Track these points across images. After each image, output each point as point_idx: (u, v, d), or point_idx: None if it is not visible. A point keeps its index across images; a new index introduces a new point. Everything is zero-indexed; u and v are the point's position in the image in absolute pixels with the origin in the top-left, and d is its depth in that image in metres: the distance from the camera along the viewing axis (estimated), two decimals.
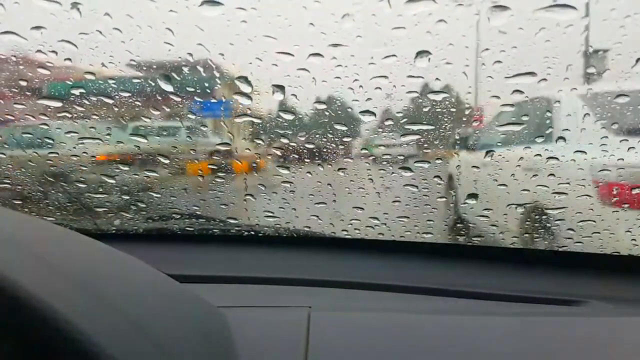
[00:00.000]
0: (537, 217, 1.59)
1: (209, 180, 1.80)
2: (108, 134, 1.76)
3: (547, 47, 1.44)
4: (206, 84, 1.76)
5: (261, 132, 1.76)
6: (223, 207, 1.68)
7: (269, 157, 1.78)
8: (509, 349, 0.88)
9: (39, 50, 1.51)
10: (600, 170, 1.38)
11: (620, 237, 1.48)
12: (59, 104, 1.63)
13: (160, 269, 0.77)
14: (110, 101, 1.69)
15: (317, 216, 1.61)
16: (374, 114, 1.60)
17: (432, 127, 1.67)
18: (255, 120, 1.67)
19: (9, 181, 1.69)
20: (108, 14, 1.48)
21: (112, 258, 0.73)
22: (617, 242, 1.47)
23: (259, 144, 1.81)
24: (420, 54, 1.46)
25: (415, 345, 0.87)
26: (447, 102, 1.61)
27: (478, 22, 1.53)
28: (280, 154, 1.72)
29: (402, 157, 1.77)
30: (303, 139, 1.80)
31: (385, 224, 1.56)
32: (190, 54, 1.54)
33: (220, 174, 1.75)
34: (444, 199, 1.60)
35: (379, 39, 1.47)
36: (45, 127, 1.69)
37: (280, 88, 1.55)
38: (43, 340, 0.48)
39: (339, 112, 1.69)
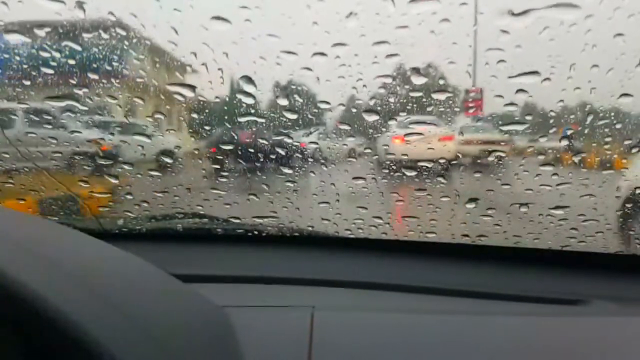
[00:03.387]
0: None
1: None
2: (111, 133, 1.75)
3: (550, 46, 1.44)
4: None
5: (265, 130, 1.76)
6: (227, 206, 1.67)
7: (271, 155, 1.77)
8: (513, 348, 0.88)
9: (42, 49, 1.51)
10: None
11: (624, 236, 1.48)
12: (63, 104, 1.63)
13: (163, 268, 0.77)
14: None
15: (321, 216, 1.61)
16: (377, 113, 1.60)
17: (436, 126, 1.67)
18: (259, 120, 1.67)
19: (13, 180, 1.68)
20: (112, 13, 1.48)
21: (116, 258, 0.73)
22: (621, 241, 1.47)
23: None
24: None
25: (418, 344, 0.87)
26: (450, 102, 1.61)
27: (476, 20, 1.53)
28: (283, 153, 1.71)
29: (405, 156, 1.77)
30: (307, 138, 1.80)
31: (388, 224, 1.56)
32: (194, 53, 1.53)
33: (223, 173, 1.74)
34: (448, 198, 1.59)
35: (383, 37, 1.47)
36: (49, 126, 1.69)
37: (284, 87, 1.55)
38: (46, 339, 0.49)
39: (343, 111, 1.69)
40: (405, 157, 1.79)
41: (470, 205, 1.55)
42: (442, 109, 1.65)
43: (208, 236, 1.63)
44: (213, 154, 1.95)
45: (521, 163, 1.76)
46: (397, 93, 1.61)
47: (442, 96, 1.57)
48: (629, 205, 1.60)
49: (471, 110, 2.08)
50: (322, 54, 1.47)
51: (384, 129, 1.79)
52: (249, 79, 1.52)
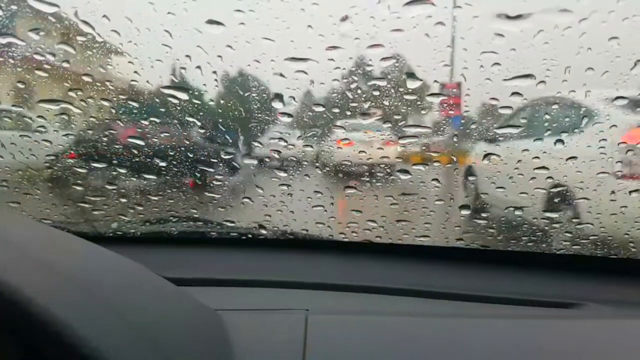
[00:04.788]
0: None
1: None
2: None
3: (545, 49, 1.44)
4: None
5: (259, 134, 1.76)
6: (221, 210, 1.67)
7: (267, 159, 1.77)
8: (506, 352, 0.88)
9: (37, 52, 1.51)
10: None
11: (618, 239, 1.48)
12: (56, 107, 1.62)
13: (157, 272, 0.77)
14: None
15: (315, 219, 1.60)
16: (372, 115, 1.60)
17: (430, 129, 1.67)
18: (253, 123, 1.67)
19: (6, 184, 1.68)
20: (106, 17, 1.48)
21: (110, 261, 0.73)
22: (615, 245, 1.48)
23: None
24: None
25: (412, 348, 0.87)
26: (444, 104, 1.61)
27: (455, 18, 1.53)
28: (278, 156, 1.71)
29: (400, 160, 1.77)
30: (301, 141, 1.79)
31: (382, 227, 1.55)
32: (188, 56, 1.53)
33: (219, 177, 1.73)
34: (442, 202, 1.60)
35: (378, 41, 1.47)
36: (43, 129, 1.68)
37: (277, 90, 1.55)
38: (41, 343, 0.48)
39: (337, 113, 1.69)
40: (347, 161, 1.81)
41: (466, 212, 1.55)
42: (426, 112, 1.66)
43: (202, 240, 1.62)
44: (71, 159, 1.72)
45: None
46: (391, 96, 1.61)
47: (437, 99, 1.58)
48: None
49: (449, 110, 2.02)
50: (316, 59, 1.48)
51: (330, 134, 1.82)
52: (243, 83, 1.52)
